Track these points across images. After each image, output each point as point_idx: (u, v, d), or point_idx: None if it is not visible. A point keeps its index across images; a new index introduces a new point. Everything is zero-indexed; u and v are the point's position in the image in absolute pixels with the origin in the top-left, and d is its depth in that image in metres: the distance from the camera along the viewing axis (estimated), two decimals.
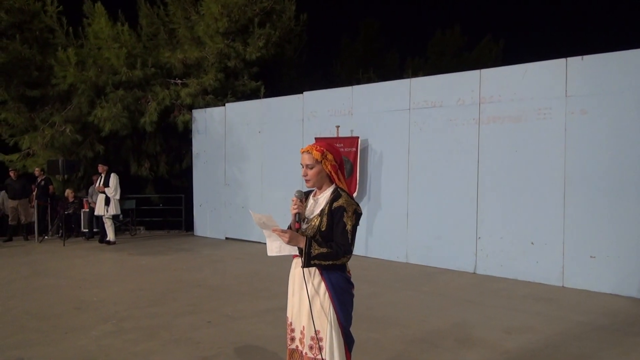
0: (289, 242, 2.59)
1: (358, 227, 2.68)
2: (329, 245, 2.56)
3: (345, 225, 2.58)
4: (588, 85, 6.52)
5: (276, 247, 2.70)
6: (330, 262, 2.56)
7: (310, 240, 2.56)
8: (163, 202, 13.25)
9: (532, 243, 6.93)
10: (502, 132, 7.23)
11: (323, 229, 2.62)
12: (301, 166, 2.76)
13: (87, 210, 11.43)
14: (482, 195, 7.42)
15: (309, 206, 2.77)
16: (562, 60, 6.73)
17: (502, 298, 6.12)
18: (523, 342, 4.53)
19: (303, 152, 2.74)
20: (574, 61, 6.64)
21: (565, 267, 6.65)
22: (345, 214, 2.59)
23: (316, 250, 2.53)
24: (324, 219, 2.63)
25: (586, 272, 6.47)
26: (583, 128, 6.54)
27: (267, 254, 2.76)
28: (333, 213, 2.62)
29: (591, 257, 6.44)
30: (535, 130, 6.93)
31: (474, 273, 7.46)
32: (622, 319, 5.28)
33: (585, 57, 6.57)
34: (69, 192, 11.80)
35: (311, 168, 2.71)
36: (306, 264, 2.56)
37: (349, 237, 2.58)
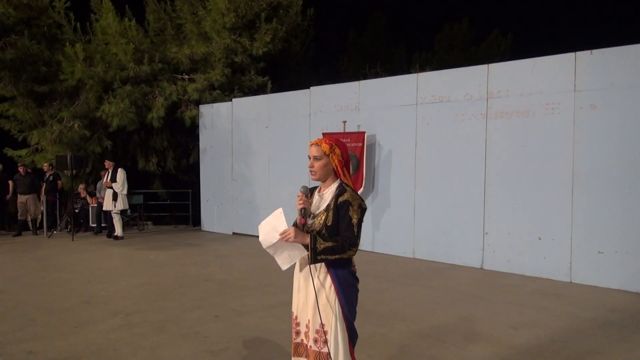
0: (295, 239, 2.58)
1: (364, 222, 2.68)
2: (334, 239, 2.57)
3: (351, 219, 2.59)
4: (597, 80, 6.46)
5: (286, 257, 2.68)
6: (337, 256, 2.57)
7: (315, 236, 2.56)
8: (170, 197, 13.31)
9: (540, 238, 6.90)
10: (510, 127, 7.19)
11: (329, 224, 2.63)
12: (308, 158, 2.76)
13: (95, 205, 11.51)
14: (490, 190, 7.39)
15: (314, 202, 2.78)
16: (571, 54, 6.67)
17: (509, 294, 6.10)
18: (530, 338, 4.52)
19: (312, 145, 2.75)
20: (583, 55, 6.58)
21: (572, 262, 6.62)
22: (350, 207, 2.60)
23: (322, 245, 2.54)
24: (330, 214, 2.64)
25: (594, 267, 6.44)
26: (592, 123, 6.49)
27: (281, 269, 2.73)
28: (339, 207, 2.63)
29: (599, 252, 6.40)
30: (544, 125, 6.89)
31: (481, 268, 7.44)
32: (630, 315, 5.25)
33: (594, 51, 6.51)
34: (81, 188, 11.89)
35: (318, 160, 2.72)
36: (313, 260, 2.56)
37: (355, 230, 2.59)
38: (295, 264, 2.78)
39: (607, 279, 6.34)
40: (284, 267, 2.71)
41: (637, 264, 6.12)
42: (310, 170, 2.75)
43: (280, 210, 2.67)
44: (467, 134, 7.61)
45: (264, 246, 2.69)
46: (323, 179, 2.77)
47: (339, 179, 2.76)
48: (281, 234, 2.59)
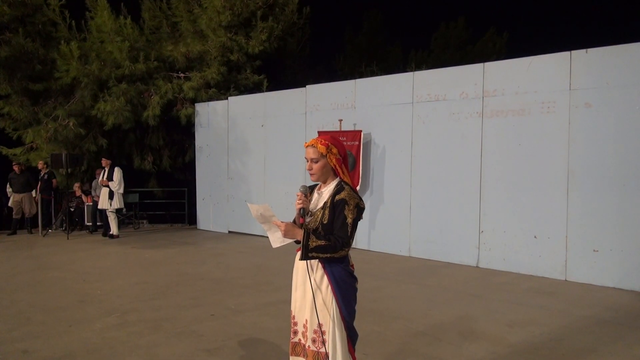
0: (285, 236, 2.62)
1: (360, 220, 2.68)
2: (327, 237, 2.57)
3: (345, 218, 2.58)
4: (592, 79, 6.48)
5: (279, 237, 2.71)
6: (329, 255, 2.57)
7: (308, 233, 2.57)
8: (166, 196, 13.27)
9: (535, 237, 6.92)
10: (506, 126, 7.21)
11: (325, 222, 2.63)
12: (305, 160, 2.75)
13: (91, 204, 11.48)
14: (485, 188, 7.40)
15: (313, 200, 2.78)
16: (567, 53, 6.69)
17: (504, 292, 6.12)
18: (526, 336, 4.54)
19: (307, 146, 2.73)
20: (579, 54, 6.60)
21: (568, 260, 6.64)
22: (346, 207, 2.59)
23: (314, 242, 2.54)
24: (326, 212, 2.63)
25: (589, 265, 6.47)
26: (587, 121, 6.51)
27: (272, 246, 2.77)
28: (335, 206, 2.62)
29: (594, 250, 6.43)
30: (539, 124, 6.91)
31: (477, 267, 7.46)
32: (625, 313, 5.28)
33: (589, 50, 6.53)
34: (76, 187, 11.85)
35: (316, 162, 2.70)
36: (304, 257, 2.58)
37: (349, 230, 2.58)
38: (295, 260, 2.80)
39: (602, 277, 6.36)
40: (275, 245, 2.73)
41: (632, 262, 6.15)
42: (310, 173, 2.74)
43: (267, 205, 2.68)
44: (462, 132, 7.62)
45: (258, 220, 2.71)
46: (323, 180, 2.76)
47: (338, 177, 2.75)
48: (277, 222, 2.64)
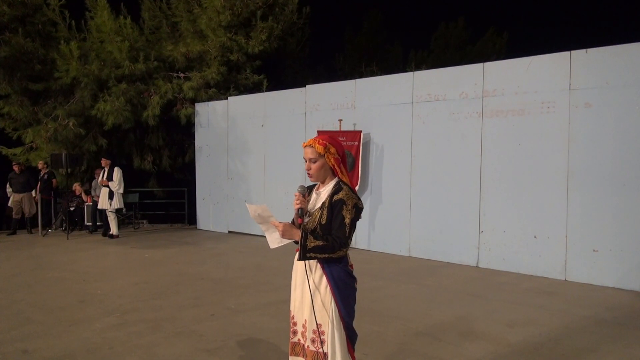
0: (283, 236, 2.62)
1: (360, 220, 2.67)
2: (325, 238, 2.56)
3: (343, 219, 2.57)
4: (592, 79, 6.48)
5: (277, 238, 2.71)
6: (327, 255, 2.57)
7: (306, 233, 2.56)
8: (166, 196, 13.27)
9: (535, 237, 6.92)
10: (506, 126, 7.21)
11: (323, 222, 2.62)
12: (304, 160, 2.75)
13: (91, 203, 11.48)
14: (485, 188, 7.40)
15: (311, 200, 2.77)
16: (566, 53, 6.69)
17: (504, 292, 6.12)
18: (526, 336, 4.54)
19: (305, 146, 2.72)
20: (578, 54, 6.60)
21: (568, 260, 6.64)
22: (344, 207, 2.59)
23: (312, 243, 2.54)
24: (325, 212, 2.63)
25: (589, 265, 6.47)
26: (587, 121, 6.52)
27: (269, 247, 2.77)
28: (333, 206, 2.61)
29: (594, 250, 6.43)
30: (539, 124, 6.91)
31: (477, 267, 7.46)
32: (624, 313, 5.28)
33: (589, 49, 6.53)
34: (76, 186, 11.85)
35: (314, 162, 2.70)
36: (302, 257, 2.57)
37: (347, 230, 2.57)
38: (294, 259, 2.79)
39: (602, 277, 6.36)
40: (273, 246, 2.73)
41: (631, 262, 6.15)
42: (308, 173, 2.74)
43: (265, 206, 2.68)
44: (462, 132, 7.62)
45: (256, 221, 2.71)
46: (322, 180, 2.75)
47: (336, 177, 2.75)
48: (275, 223, 2.64)
